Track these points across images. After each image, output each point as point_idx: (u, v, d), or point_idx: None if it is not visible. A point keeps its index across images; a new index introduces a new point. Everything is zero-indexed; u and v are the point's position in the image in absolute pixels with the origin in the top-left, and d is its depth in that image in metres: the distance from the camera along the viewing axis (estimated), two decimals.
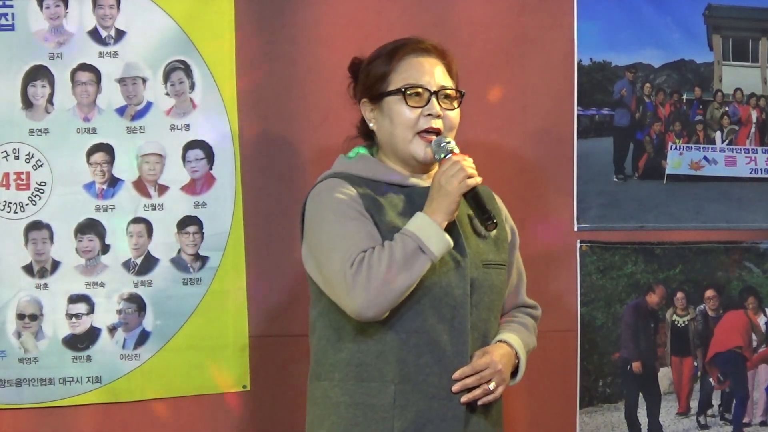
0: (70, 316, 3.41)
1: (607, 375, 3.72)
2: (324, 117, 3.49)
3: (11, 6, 3.38)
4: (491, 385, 2.71)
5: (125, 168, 3.44)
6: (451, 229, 2.69)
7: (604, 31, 3.69)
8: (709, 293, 3.78)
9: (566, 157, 3.69)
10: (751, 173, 3.80)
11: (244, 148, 3.49)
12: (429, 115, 2.76)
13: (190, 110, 3.48)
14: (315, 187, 2.82)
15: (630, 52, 3.72)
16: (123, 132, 3.44)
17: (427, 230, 2.63)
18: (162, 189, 3.46)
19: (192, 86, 3.47)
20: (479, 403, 2.71)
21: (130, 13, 3.42)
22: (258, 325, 3.49)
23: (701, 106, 3.78)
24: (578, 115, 3.69)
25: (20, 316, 3.39)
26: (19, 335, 3.39)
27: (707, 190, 3.78)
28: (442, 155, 2.72)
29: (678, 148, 3.77)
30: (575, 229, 3.71)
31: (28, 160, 3.39)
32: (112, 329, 3.43)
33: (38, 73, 3.39)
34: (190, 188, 3.47)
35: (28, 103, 3.39)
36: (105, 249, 3.43)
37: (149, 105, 3.45)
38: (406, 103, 2.77)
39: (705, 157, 3.79)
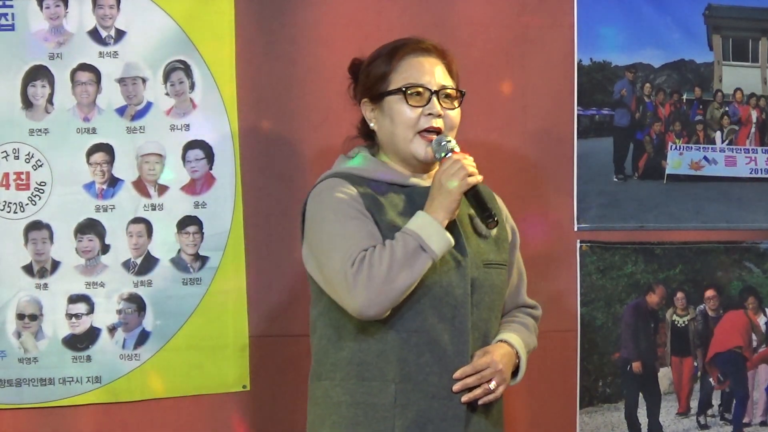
0: (70, 316, 3.41)
1: (607, 375, 3.72)
2: (324, 117, 3.49)
3: (11, 6, 3.38)
4: (492, 385, 2.71)
5: (125, 168, 3.44)
6: (452, 228, 2.69)
7: (605, 31, 3.69)
8: (709, 293, 3.78)
9: (566, 157, 3.69)
10: (751, 173, 3.80)
11: (244, 148, 3.49)
12: (430, 114, 2.76)
13: (190, 110, 3.47)
14: (315, 186, 2.82)
15: (630, 52, 3.72)
16: (123, 132, 3.44)
17: (428, 229, 2.63)
18: (162, 189, 3.46)
19: (192, 86, 3.47)
20: (480, 402, 2.71)
21: (130, 13, 3.42)
22: (258, 325, 3.49)
23: (701, 106, 3.78)
24: (578, 115, 3.70)
25: (20, 316, 3.39)
26: (19, 335, 3.39)
27: (707, 190, 3.78)
28: (443, 154, 2.72)
29: (678, 148, 3.77)
30: (575, 229, 3.71)
31: (28, 160, 3.39)
32: (112, 329, 3.43)
33: (38, 73, 3.39)
34: (190, 188, 3.47)
35: (28, 103, 3.39)
36: (105, 249, 3.43)
37: (149, 105, 3.45)
38: (407, 102, 2.77)
39: (705, 157, 3.79)
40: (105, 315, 3.43)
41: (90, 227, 3.42)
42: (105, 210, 3.43)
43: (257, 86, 3.50)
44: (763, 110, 3.81)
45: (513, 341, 2.81)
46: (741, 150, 3.80)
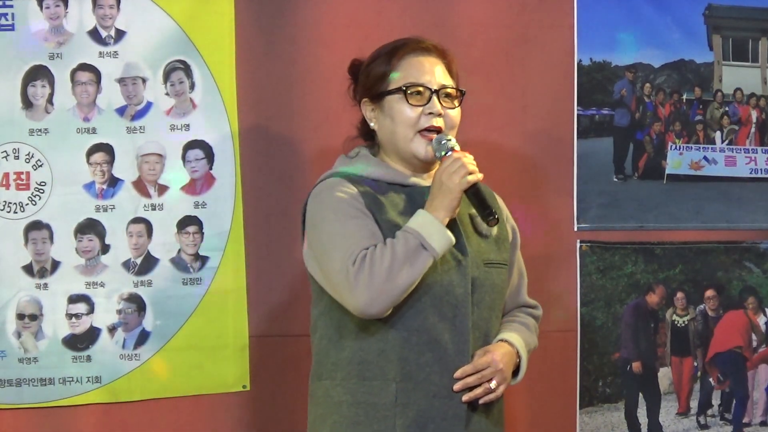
0: (70, 316, 3.41)
1: (607, 375, 3.72)
2: (324, 117, 3.49)
3: (11, 6, 3.38)
4: (492, 384, 2.71)
5: (125, 168, 3.43)
6: (453, 228, 2.69)
7: (604, 31, 3.69)
8: (709, 293, 3.78)
9: (566, 157, 3.69)
10: (751, 173, 3.80)
11: (244, 148, 3.49)
12: (430, 113, 2.77)
13: (190, 110, 3.47)
14: (315, 186, 2.82)
15: (630, 52, 3.72)
16: (123, 132, 3.44)
17: (429, 227, 2.63)
18: (162, 189, 3.46)
19: (192, 86, 3.47)
20: (480, 402, 2.72)
21: (130, 13, 3.42)
22: (258, 325, 3.49)
23: (701, 106, 3.78)
24: (578, 115, 3.69)
25: (20, 316, 3.39)
26: (19, 335, 3.39)
27: (707, 190, 3.78)
28: (443, 152, 2.72)
29: (678, 148, 3.77)
30: (575, 229, 3.70)
31: (28, 160, 3.39)
32: (112, 329, 3.43)
33: (38, 73, 3.39)
34: (190, 188, 3.47)
35: (28, 103, 3.39)
36: (105, 249, 3.43)
37: (149, 105, 3.45)
38: (408, 101, 2.77)
39: (705, 157, 3.79)
40: (105, 315, 3.42)
41: (90, 227, 3.42)
42: (105, 210, 3.43)
43: (257, 86, 3.50)
44: (763, 110, 3.81)
45: (514, 341, 2.81)
46: (741, 150, 3.80)
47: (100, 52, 3.42)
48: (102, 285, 3.42)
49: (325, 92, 3.45)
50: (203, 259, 3.47)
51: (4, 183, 3.38)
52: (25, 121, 3.38)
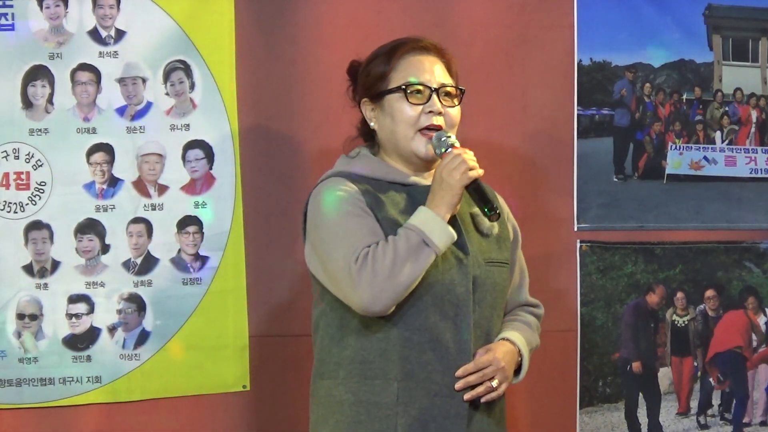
0: (70, 316, 3.41)
1: (607, 375, 3.71)
2: (324, 117, 3.49)
3: (11, 6, 3.38)
4: (494, 383, 2.71)
5: (125, 168, 3.43)
6: (454, 227, 2.69)
7: (604, 31, 3.69)
8: (709, 293, 3.77)
9: (566, 157, 3.69)
10: (751, 173, 3.80)
11: (244, 148, 3.49)
12: (430, 112, 2.77)
13: (190, 110, 3.47)
14: (316, 186, 2.82)
15: (630, 52, 3.72)
16: (123, 132, 3.44)
17: (431, 224, 2.63)
18: (162, 189, 3.46)
19: (192, 86, 3.47)
20: (482, 400, 2.72)
21: (130, 13, 3.42)
22: (258, 325, 3.49)
23: (701, 106, 3.78)
24: (578, 115, 3.69)
25: (20, 316, 3.38)
26: (19, 335, 3.38)
27: (707, 190, 3.78)
28: (443, 149, 2.72)
29: (678, 148, 3.77)
30: (575, 229, 3.70)
31: (28, 160, 3.39)
32: (112, 329, 3.43)
33: (38, 73, 3.39)
34: (190, 188, 3.47)
35: (28, 103, 3.39)
36: (105, 249, 3.43)
37: (149, 105, 3.45)
38: (408, 100, 2.77)
39: (705, 157, 3.79)
40: (105, 315, 3.42)
41: (90, 227, 3.42)
42: (105, 210, 3.43)
43: (257, 86, 3.50)
44: (763, 110, 3.81)
45: (515, 339, 2.81)
46: (741, 150, 3.80)
47: (100, 52, 3.42)
48: (102, 285, 3.42)
49: (325, 92, 3.45)
50: (203, 259, 3.47)
51: (4, 183, 3.38)
52: (25, 121, 3.38)
